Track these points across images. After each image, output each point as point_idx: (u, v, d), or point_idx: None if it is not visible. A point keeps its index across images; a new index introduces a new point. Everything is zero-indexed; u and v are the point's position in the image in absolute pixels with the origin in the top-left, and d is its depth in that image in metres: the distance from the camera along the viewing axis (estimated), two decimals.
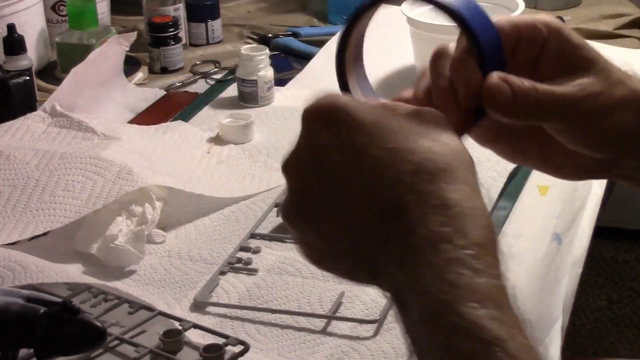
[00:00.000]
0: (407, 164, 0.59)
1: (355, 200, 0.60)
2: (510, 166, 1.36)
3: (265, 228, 1.27)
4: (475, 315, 0.55)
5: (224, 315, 1.11)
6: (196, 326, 1.07)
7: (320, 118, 0.62)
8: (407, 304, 0.58)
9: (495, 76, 0.66)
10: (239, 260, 1.20)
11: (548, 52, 0.69)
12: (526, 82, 0.66)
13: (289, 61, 1.84)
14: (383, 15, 0.74)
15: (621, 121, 0.69)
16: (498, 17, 0.69)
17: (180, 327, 1.06)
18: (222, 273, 1.18)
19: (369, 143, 0.60)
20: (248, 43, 1.87)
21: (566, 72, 0.69)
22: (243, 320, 1.10)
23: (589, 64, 0.69)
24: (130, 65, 1.74)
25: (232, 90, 1.66)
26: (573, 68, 0.69)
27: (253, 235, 1.26)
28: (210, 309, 1.12)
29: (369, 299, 1.12)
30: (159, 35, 1.78)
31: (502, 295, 0.57)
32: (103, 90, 1.59)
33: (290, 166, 0.63)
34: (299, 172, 0.62)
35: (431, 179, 0.59)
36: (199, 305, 1.12)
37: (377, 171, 0.60)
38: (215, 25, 1.91)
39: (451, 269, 0.56)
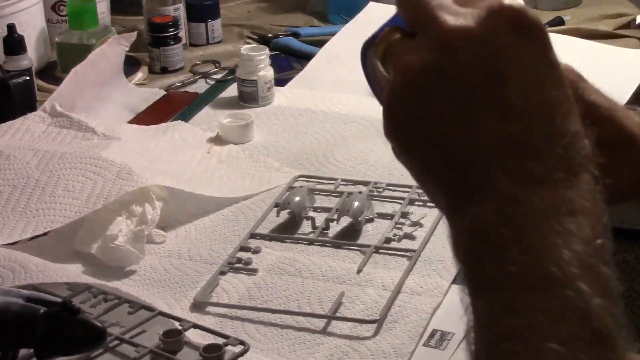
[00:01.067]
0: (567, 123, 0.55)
1: (493, 113, 0.55)
2: None
3: (265, 228, 1.27)
4: (593, 303, 0.54)
5: (224, 315, 1.11)
6: (196, 326, 1.07)
7: (515, 21, 0.56)
8: (494, 240, 0.54)
9: None
10: (239, 260, 1.20)
11: None
12: None
13: (289, 61, 1.83)
14: None
15: (619, 181, 0.71)
16: None
17: (180, 327, 1.06)
18: (222, 273, 1.18)
19: (549, 73, 0.56)
20: (248, 43, 1.87)
21: None
22: (243, 320, 1.10)
23: (599, 118, 0.69)
24: (130, 65, 1.74)
25: (232, 90, 1.66)
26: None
27: (253, 235, 1.26)
28: (210, 309, 1.12)
29: (369, 299, 1.12)
30: (159, 35, 1.78)
31: (610, 295, 0.58)
32: (103, 90, 1.59)
33: (459, 35, 0.56)
34: (457, 45, 0.56)
35: (573, 157, 0.55)
36: (199, 305, 1.12)
37: (547, 106, 0.55)
38: (215, 25, 1.91)
39: (581, 257, 0.56)
